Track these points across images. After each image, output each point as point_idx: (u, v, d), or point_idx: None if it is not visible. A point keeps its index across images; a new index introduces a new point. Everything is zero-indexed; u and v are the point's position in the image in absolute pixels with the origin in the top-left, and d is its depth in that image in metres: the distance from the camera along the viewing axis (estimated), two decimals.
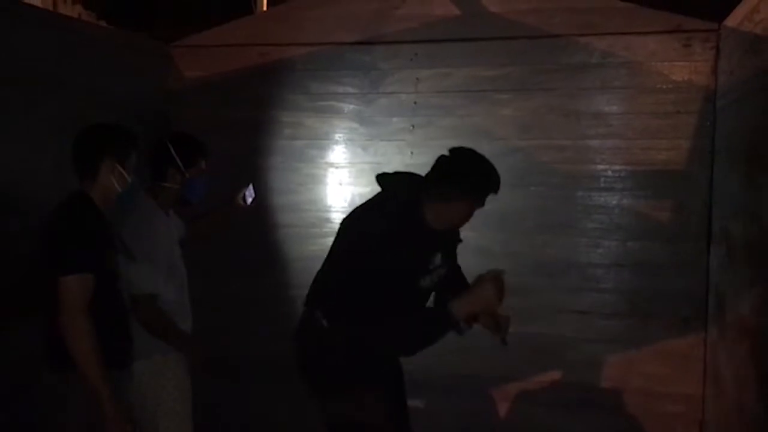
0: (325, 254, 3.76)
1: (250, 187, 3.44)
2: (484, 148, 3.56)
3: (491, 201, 2.56)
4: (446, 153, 2.56)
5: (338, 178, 3.89)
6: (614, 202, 3.49)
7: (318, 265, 3.71)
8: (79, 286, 2.36)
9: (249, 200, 3.42)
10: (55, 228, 2.44)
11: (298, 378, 2.73)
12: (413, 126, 3.76)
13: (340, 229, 2.69)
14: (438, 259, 2.59)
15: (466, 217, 2.57)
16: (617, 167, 3.49)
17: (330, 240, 3.79)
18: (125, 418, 2.43)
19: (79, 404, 2.39)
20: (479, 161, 2.54)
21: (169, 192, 2.96)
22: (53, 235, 2.43)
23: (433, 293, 2.67)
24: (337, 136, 3.88)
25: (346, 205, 3.86)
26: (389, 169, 3.70)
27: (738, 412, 2.80)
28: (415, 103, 3.75)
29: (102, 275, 2.43)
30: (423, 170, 3.61)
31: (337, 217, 3.87)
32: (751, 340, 2.63)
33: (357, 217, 2.67)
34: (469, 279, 2.61)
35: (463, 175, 2.51)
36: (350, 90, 3.84)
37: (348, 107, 3.85)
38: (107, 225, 2.54)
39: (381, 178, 2.70)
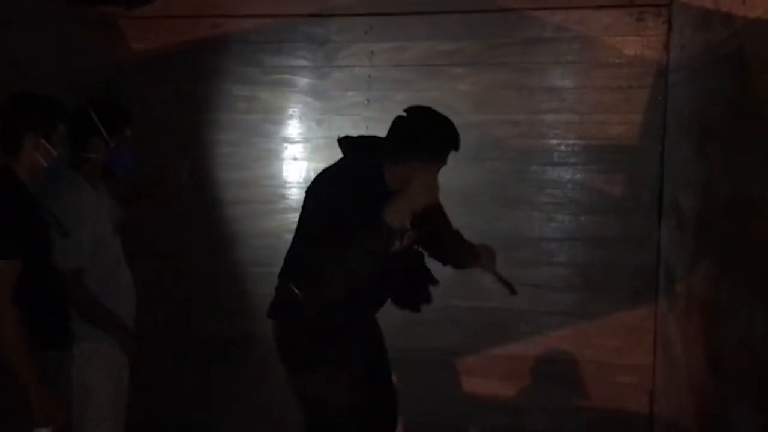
0: (282, 230, 3.78)
1: (189, 160, 3.34)
2: None
3: (444, 173, 2.49)
4: (402, 113, 2.48)
5: (293, 153, 3.84)
6: (567, 176, 3.51)
7: (275, 242, 3.72)
8: (3, 272, 2.23)
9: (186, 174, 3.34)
10: None
11: (277, 355, 2.67)
12: (368, 100, 3.72)
13: (305, 196, 2.54)
14: (406, 223, 2.45)
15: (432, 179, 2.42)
16: (570, 142, 3.51)
17: (287, 215, 3.82)
18: (56, 406, 2.31)
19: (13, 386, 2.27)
20: (436, 119, 2.45)
21: (92, 163, 2.79)
22: None
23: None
24: (292, 111, 3.82)
25: (302, 180, 3.82)
26: None
27: (687, 382, 2.85)
28: (369, 77, 3.71)
29: (31, 255, 2.29)
30: None
31: (294, 192, 3.84)
32: (700, 311, 2.67)
33: (320, 183, 2.53)
34: None
35: (421, 136, 2.41)
36: (304, 63, 3.78)
37: (302, 81, 3.80)
38: (34, 202, 2.37)
39: (343, 143, 2.61)
